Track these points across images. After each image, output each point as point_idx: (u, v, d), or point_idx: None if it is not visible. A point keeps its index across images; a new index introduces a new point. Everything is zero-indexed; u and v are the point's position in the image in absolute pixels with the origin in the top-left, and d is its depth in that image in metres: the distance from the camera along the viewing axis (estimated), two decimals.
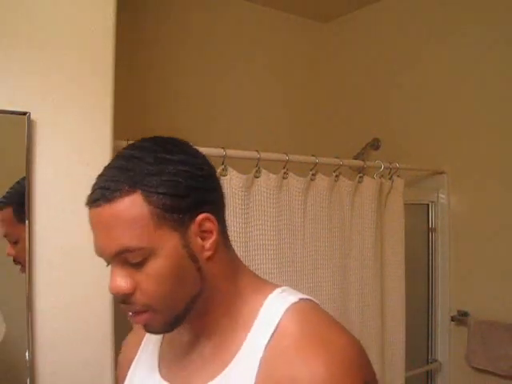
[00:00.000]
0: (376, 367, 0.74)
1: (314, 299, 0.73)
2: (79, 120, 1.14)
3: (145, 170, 0.63)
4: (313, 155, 1.56)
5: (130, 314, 0.67)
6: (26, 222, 1.06)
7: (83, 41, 1.15)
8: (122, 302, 0.66)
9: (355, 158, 2.20)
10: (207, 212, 0.67)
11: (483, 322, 1.85)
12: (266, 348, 0.64)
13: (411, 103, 2.18)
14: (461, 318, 1.96)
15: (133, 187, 0.62)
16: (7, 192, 1.11)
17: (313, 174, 1.57)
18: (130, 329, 1.26)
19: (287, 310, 0.67)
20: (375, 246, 1.71)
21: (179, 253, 0.65)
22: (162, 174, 0.63)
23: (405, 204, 1.82)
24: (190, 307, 0.68)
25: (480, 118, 1.92)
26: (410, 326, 1.81)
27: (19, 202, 1.10)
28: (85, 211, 1.20)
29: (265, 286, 0.74)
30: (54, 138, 1.11)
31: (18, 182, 1.11)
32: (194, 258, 0.66)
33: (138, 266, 0.64)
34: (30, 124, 1.07)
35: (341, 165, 1.65)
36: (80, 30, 1.15)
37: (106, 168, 0.66)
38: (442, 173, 2.04)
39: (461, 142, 1.98)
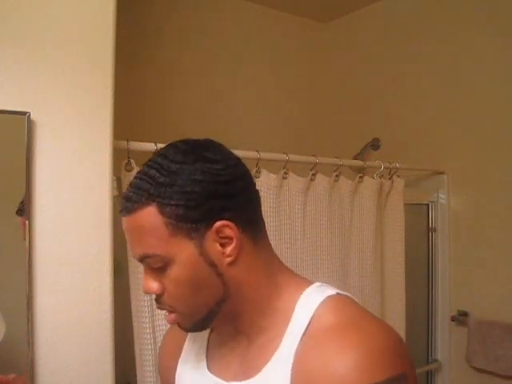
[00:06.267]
0: None
1: (352, 296, 0.73)
2: (79, 120, 1.14)
3: (160, 181, 0.66)
4: (313, 155, 1.56)
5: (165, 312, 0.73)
6: (26, 222, 1.06)
7: (83, 41, 1.15)
8: (155, 301, 0.73)
9: (355, 157, 2.19)
10: (227, 219, 0.67)
11: (483, 322, 1.85)
12: (301, 339, 0.66)
13: (411, 103, 2.17)
14: (461, 317, 1.95)
15: (149, 199, 0.67)
16: None
17: (313, 174, 1.57)
18: (131, 330, 1.26)
19: (323, 302, 0.69)
20: (375, 245, 1.70)
21: (196, 260, 0.67)
22: (175, 185, 0.66)
23: (405, 204, 1.81)
24: (216, 311, 0.71)
25: (480, 118, 1.92)
26: (410, 325, 1.81)
27: None
28: (84, 211, 1.19)
29: (303, 281, 0.76)
30: (54, 138, 1.11)
31: None
32: (212, 264, 0.68)
33: (162, 270, 0.68)
34: (30, 124, 1.06)
35: (341, 165, 1.64)
36: (80, 30, 1.15)
37: (135, 177, 0.71)
38: (442, 173, 2.04)
39: (461, 142, 1.98)
